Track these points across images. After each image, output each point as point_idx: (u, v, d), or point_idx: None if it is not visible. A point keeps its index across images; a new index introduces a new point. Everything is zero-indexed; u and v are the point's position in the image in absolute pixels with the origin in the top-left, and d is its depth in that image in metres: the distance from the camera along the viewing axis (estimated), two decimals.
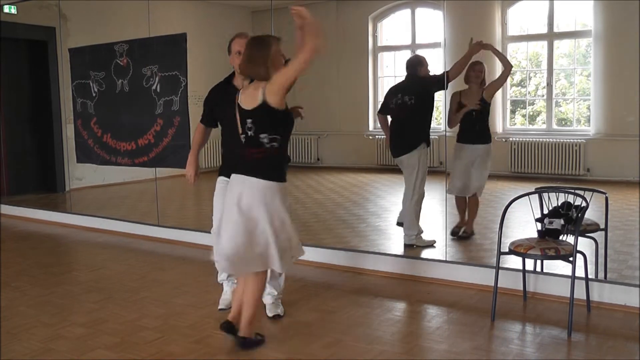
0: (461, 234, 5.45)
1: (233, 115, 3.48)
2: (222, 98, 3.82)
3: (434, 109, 5.46)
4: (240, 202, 3.25)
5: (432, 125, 5.54)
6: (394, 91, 5.45)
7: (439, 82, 5.18)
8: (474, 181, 5.44)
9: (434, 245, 5.32)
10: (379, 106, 5.71)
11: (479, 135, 5.40)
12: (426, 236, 5.40)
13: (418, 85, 5.28)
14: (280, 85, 3.18)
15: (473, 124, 5.36)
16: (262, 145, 3.25)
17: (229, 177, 3.71)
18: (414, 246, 5.29)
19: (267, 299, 3.94)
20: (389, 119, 5.57)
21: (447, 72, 5.10)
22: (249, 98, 3.27)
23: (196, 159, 4.03)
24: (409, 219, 5.35)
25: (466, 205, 5.50)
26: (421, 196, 5.34)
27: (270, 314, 3.88)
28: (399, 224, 5.57)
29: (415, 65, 5.35)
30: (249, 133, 3.27)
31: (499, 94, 6.90)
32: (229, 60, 3.86)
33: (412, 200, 5.32)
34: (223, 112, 3.79)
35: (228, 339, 3.43)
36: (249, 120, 3.26)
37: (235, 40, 3.80)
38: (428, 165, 5.38)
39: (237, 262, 3.30)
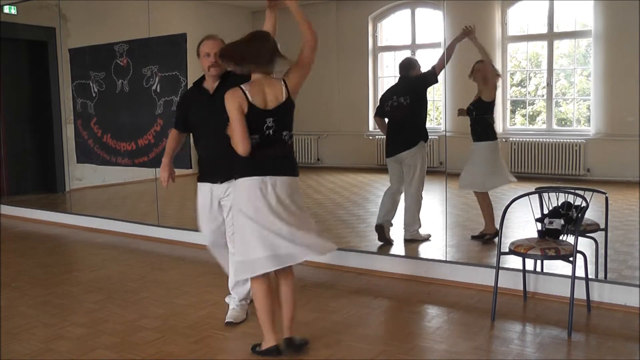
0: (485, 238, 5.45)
1: (210, 118, 3.56)
2: (194, 103, 3.79)
3: (431, 107, 5.59)
4: (285, 202, 3.19)
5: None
6: (388, 94, 5.64)
7: (430, 77, 5.35)
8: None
9: (430, 238, 5.48)
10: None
11: (476, 133, 5.48)
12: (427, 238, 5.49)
13: (411, 86, 5.47)
14: (301, 80, 3.23)
15: (473, 122, 5.44)
16: (286, 143, 3.23)
17: (212, 182, 3.75)
18: (414, 241, 5.44)
19: (232, 303, 3.94)
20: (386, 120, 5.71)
21: (434, 65, 5.30)
22: (269, 96, 3.18)
23: (171, 163, 3.95)
24: (411, 214, 5.47)
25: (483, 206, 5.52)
26: (421, 192, 5.48)
27: (228, 319, 3.85)
28: (379, 226, 5.54)
29: (407, 67, 5.55)
30: (268, 132, 3.18)
31: (499, 94, 6.89)
32: (200, 62, 3.76)
33: (414, 196, 5.45)
34: (198, 116, 3.75)
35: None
36: (269, 120, 3.17)
37: (204, 43, 3.74)
38: (428, 165, 5.47)
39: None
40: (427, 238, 5.49)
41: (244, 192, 3.19)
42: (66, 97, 7.58)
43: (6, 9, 8.13)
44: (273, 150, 3.19)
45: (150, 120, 6.17)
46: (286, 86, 3.20)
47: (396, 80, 5.77)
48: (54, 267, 5.38)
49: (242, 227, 3.19)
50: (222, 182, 3.74)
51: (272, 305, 3.28)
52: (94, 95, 6.77)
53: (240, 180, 3.20)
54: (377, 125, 5.84)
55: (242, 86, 3.16)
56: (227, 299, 4.02)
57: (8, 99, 8.61)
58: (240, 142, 3.10)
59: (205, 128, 3.75)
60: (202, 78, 3.83)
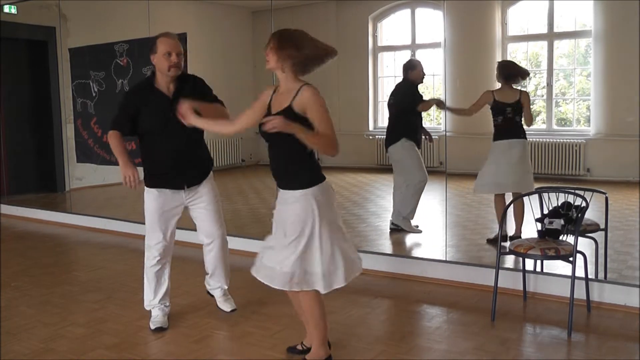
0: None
1: (170, 122, 3.45)
2: (149, 105, 3.58)
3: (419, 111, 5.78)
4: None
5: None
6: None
7: (403, 98, 5.64)
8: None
9: (419, 230, 5.66)
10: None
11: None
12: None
13: (400, 89, 5.75)
14: None
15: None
16: None
17: (174, 188, 3.66)
18: (398, 227, 5.67)
19: (217, 293, 3.99)
20: None
21: (417, 105, 5.60)
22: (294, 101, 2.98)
23: (132, 161, 3.60)
24: (399, 199, 5.68)
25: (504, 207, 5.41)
26: (417, 185, 5.61)
27: (228, 309, 3.92)
28: (394, 225, 5.79)
29: (407, 68, 5.75)
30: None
31: None
32: (153, 59, 3.56)
33: (407, 187, 5.64)
34: (155, 120, 3.57)
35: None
36: None
37: (164, 40, 3.52)
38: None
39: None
40: (414, 230, 5.63)
41: (327, 198, 3.02)
42: (66, 97, 7.58)
43: (6, 9, 8.13)
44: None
45: None
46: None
47: (399, 79, 6.07)
48: (54, 267, 5.38)
49: (323, 238, 2.98)
50: (188, 187, 3.69)
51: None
52: (94, 94, 6.77)
53: (316, 187, 3.00)
54: None
55: (312, 85, 2.99)
56: (210, 290, 4.06)
57: (8, 99, 8.60)
58: (336, 142, 2.94)
59: (164, 133, 3.57)
60: (152, 77, 3.63)
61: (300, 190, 2.98)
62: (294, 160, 3.00)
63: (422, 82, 5.75)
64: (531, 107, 5.26)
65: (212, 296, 4.08)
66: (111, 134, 3.64)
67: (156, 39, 3.58)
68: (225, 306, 3.96)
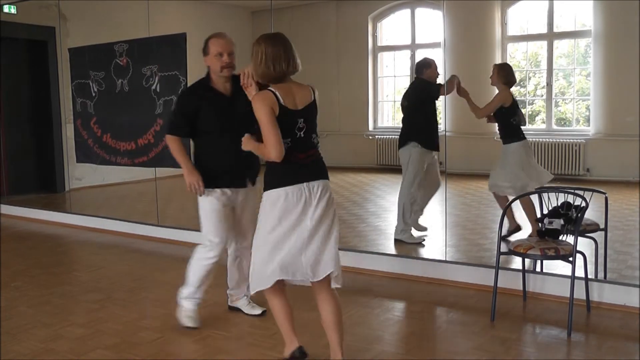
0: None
1: (232, 122, 3.47)
2: (208, 106, 3.59)
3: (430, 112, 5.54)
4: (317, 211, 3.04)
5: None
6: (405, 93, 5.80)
7: (434, 90, 5.32)
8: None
9: (422, 243, 5.45)
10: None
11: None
12: (426, 239, 5.52)
13: (413, 89, 5.57)
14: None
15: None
16: (315, 146, 3.10)
17: (237, 186, 3.67)
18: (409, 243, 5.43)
19: (243, 302, 4.00)
20: None
21: (443, 85, 5.22)
22: (298, 97, 3.03)
23: (195, 168, 3.63)
24: (398, 214, 5.51)
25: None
26: (404, 198, 5.45)
27: (259, 312, 3.94)
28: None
29: (421, 67, 5.51)
30: (299, 134, 3.01)
31: None
32: (206, 61, 3.61)
33: (401, 196, 5.50)
34: (216, 120, 3.59)
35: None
36: (300, 120, 3.01)
37: (216, 41, 3.57)
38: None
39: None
40: (417, 242, 5.44)
41: (278, 203, 2.98)
42: (66, 97, 7.58)
43: (6, 9, 8.13)
44: (305, 154, 3.04)
45: (150, 120, 6.18)
46: (313, 90, 3.10)
47: (399, 79, 5.85)
48: (54, 267, 5.38)
49: (267, 240, 3.02)
50: (252, 185, 3.75)
51: (289, 311, 3.16)
52: (93, 94, 6.77)
53: (274, 191, 3.00)
54: None
55: (270, 88, 2.99)
56: (233, 303, 4.04)
57: (8, 99, 8.60)
58: (274, 147, 2.91)
59: (225, 131, 3.58)
60: (207, 78, 3.66)
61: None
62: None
63: (436, 81, 5.56)
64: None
65: (237, 308, 4.03)
66: (170, 139, 3.65)
67: (208, 40, 3.61)
68: (256, 310, 3.95)
